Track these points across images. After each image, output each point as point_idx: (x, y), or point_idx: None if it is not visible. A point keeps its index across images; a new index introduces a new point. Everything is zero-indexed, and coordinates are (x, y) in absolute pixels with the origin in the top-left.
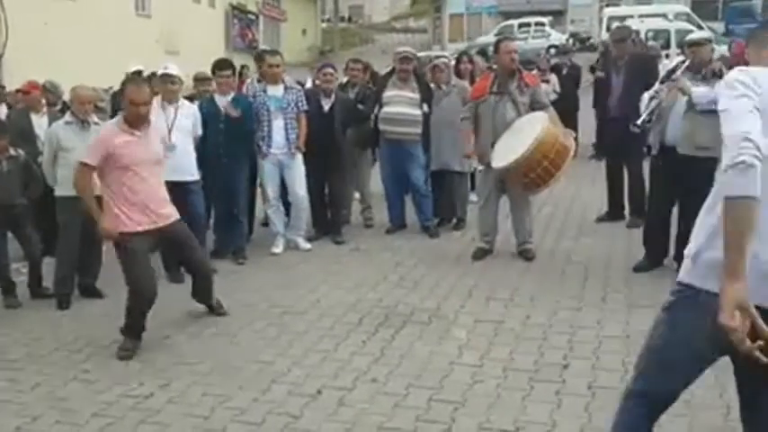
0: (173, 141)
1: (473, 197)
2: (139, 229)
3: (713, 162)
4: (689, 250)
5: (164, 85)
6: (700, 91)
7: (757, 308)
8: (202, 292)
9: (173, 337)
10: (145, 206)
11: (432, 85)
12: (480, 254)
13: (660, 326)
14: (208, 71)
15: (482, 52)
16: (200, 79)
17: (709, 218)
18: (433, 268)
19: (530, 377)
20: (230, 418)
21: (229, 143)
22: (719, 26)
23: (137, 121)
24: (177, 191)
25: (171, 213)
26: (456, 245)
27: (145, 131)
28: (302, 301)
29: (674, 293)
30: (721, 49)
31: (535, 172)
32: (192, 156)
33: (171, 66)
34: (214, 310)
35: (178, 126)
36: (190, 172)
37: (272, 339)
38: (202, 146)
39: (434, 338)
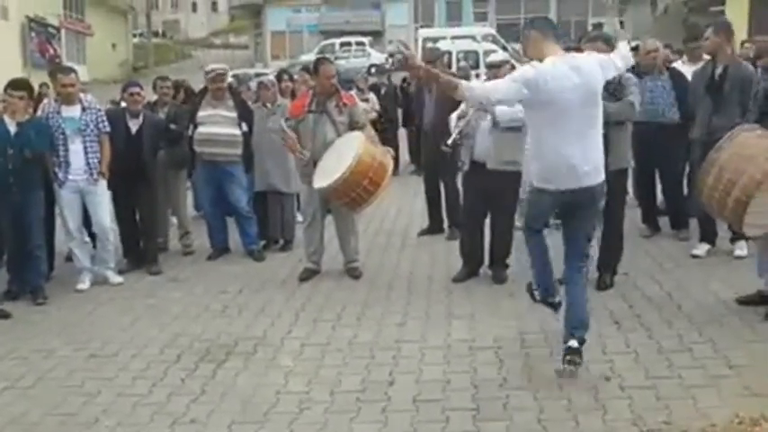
0: None
1: (299, 217)
2: None
3: (518, 175)
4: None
5: None
6: (501, 109)
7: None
8: None
9: None
10: None
11: (254, 104)
12: (307, 275)
13: None
14: None
15: (307, 69)
16: None
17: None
18: (258, 293)
19: (357, 397)
20: None
21: (20, 170)
22: (521, 47)
23: None
24: None
25: None
26: (283, 267)
27: None
28: (112, 342)
29: None
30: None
31: (355, 191)
32: None
33: None
34: None
35: None
36: None
37: (77, 387)
38: None
39: (260, 369)
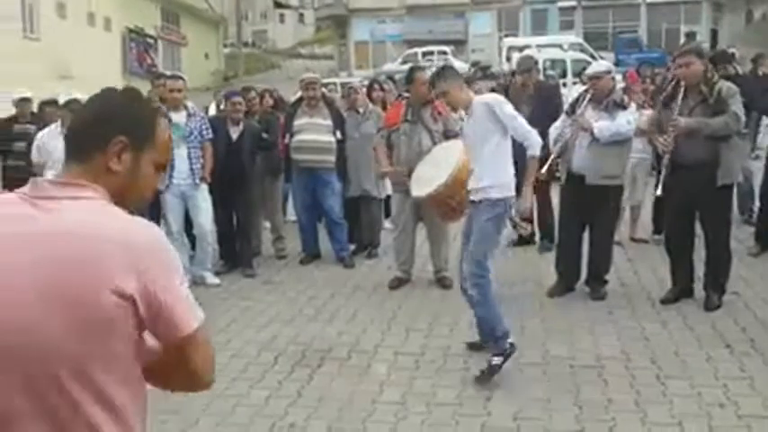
0: None
1: (387, 224)
2: None
3: (619, 189)
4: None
5: (71, 112)
6: (601, 126)
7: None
8: None
9: None
10: None
11: (345, 112)
12: (397, 283)
13: None
14: None
15: (391, 78)
16: None
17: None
18: (349, 299)
19: (454, 411)
20: None
21: None
22: (610, 56)
23: None
24: None
25: None
26: (372, 274)
27: None
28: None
29: None
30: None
31: (454, 200)
32: None
33: (74, 91)
34: None
35: None
36: None
37: None
38: None
39: (354, 375)
